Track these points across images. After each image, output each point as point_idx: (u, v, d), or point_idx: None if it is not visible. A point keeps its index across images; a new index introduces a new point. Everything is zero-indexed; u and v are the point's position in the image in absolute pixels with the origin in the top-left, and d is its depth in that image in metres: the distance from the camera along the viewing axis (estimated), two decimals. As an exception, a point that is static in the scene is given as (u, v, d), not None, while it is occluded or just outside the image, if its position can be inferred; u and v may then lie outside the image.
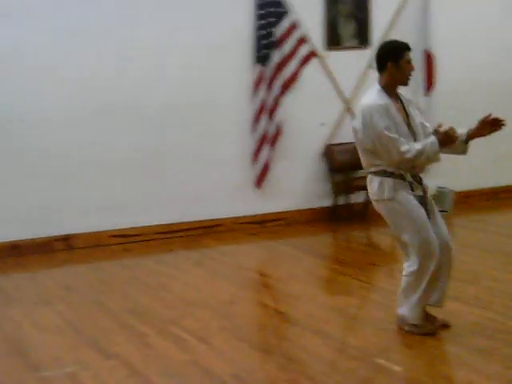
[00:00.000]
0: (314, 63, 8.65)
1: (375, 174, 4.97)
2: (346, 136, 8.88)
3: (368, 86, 8.75)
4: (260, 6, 8.35)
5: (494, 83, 9.56)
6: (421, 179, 5.03)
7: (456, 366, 4.67)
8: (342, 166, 8.79)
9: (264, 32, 8.35)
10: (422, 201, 4.99)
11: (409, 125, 4.94)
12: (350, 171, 8.83)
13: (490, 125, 4.86)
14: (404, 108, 4.99)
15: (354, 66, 8.87)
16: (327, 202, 8.92)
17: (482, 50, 9.42)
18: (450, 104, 9.18)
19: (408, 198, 4.91)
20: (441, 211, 8.99)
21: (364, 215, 8.92)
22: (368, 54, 8.90)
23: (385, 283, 6.58)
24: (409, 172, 4.92)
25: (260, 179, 8.54)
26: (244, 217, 8.58)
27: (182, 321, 5.51)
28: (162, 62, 8.09)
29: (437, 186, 9.04)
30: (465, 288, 5.96)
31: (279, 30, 8.40)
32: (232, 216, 8.52)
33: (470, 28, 9.31)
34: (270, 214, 8.69)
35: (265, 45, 8.36)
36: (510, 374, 4.42)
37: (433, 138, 4.82)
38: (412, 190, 4.94)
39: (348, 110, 8.95)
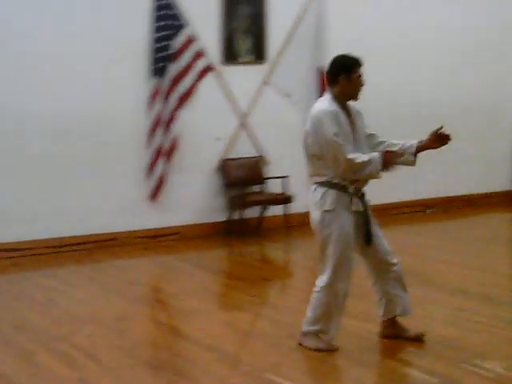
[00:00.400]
0: (210, 77, 8.66)
1: (320, 184, 4.98)
2: (241, 151, 8.96)
3: (264, 101, 9.00)
4: (157, 19, 8.31)
5: (390, 101, 9.79)
6: (363, 194, 5.08)
7: (345, 380, 4.73)
8: (236, 180, 8.81)
9: (160, 45, 8.31)
10: (362, 217, 5.02)
11: (354, 137, 4.99)
12: (244, 186, 8.88)
13: (441, 138, 4.95)
14: (351, 120, 5.04)
15: (251, 81, 8.93)
16: (222, 217, 8.91)
17: (379, 67, 9.62)
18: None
19: (345, 214, 4.94)
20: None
21: (258, 230, 8.97)
22: (264, 70, 8.99)
23: (277, 299, 6.63)
24: (352, 184, 4.95)
25: (155, 193, 8.46)
26: (138, 231, 8.47)
27: (71, 337, 5.38)
28: (58, 73, 7.94)
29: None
30: (354, 303, 6.05)
31: (176, 44, 8.37)
32: (126, 230, 8.40)
33: (365, 46, 9.48)
34: (164, 228, 8.61)
35: (161, 58, 8.31)
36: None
37: (378, 155, 4.89)
38: (351, 205, 4.97)
39: (243, 125, 8.99)
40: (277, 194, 8.96)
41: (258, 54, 8.97)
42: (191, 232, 8.72)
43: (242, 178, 8.85)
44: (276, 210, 9.00)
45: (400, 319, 5.20)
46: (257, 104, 9.01)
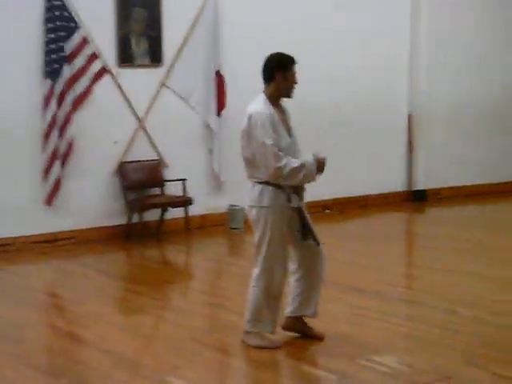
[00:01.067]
0: (106, 80, 8.57)
1: (257, 181, 5.01)
2: (139, 154, 8.90)
3: (162, 104, 8.96)
4: (48, 20, 8.15)
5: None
6: (301, 190, 5.10)
7: (246, 381, 4.76)
8: (135, 183, 8.75)
9: (54, 46, 8.17)
10: (298, 213, 5.05)
11: (290, 136, 5.05)
12: (143, 189, 8.81)
13: (320, 167, 5.01)
14: (286, 119, 5.10)
15: (147, 83, 8.88)
16: (121, 220, 8.82)
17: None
18: (238, 125, 9.40)
19: (282, 211, 4.97)
20: (233, 228, 9.32)
21: (158, 233, 8.93)
22: (161, 73, 8.95)
23: (178, 301, 6.62)
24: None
25: (51, 197, 8.31)
26: (34, 236, 8.30)
27: (-36, 347, 5.23)
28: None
29: (229, 204, 9.25)
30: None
31: (70, 45, 8.25)
32: (21, 235, 8.22)
33: (260, 49, 9.54)
34: (61, 232, 8.47)
35: (55, 59, 8.17)
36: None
37: (312, 158, 4.94)
38: (289, 202, 5.00)
39: (141, 127, 8.94)
40: (176, 197, 8.93)
41: (155, 56, 8.92)
42: (90, 236, 8.60)
43: (141, 181, 8.79)
44: (176, 213, 8.98)
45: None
46: (154, 107, 8.96)
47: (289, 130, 5.10)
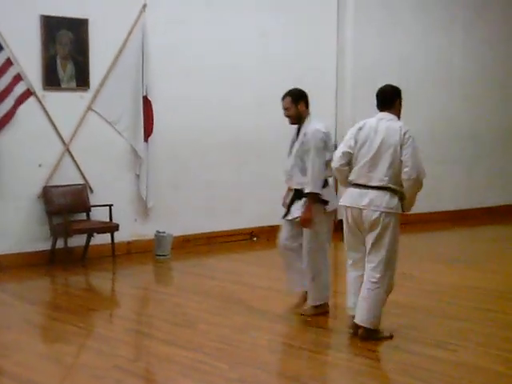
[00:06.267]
0: (31, 102, 8.43)
1: (395, 190, 5.72)
2: (64, 178, 8.76)
3: (88, 128, 8.84)
4: (-29, 40, 8.01)
5: (214, 131, 9.93)
6: None
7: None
8: (60, 208, 8.58)
9: (-24, 67, 8.02)
10: None
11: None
12: (68, 214, 8.66)
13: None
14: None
15: (74, 107, 8.76)
16: (46, 246, 8.65)
17: (199, 96, 9.73)
18: (165, 151, 9.40)
19: None
20: (159, 255, 9.23)
21: (84, 259, 8.78)
22: (88, 96, 8.86)
23: (103, 328, 6.49)
24: None
25: (-28, 222, 8.10)
26: (-46, 261, 8.07)
27: None
28: None
29: (156, 230, 9.17)
30: (180, 331, 6.06)
31: (-8, 67, 8.11)
32: None
33: (186, 73, 9.58)
34: (-18, 257, 8.26)
35: (-22, 81, 8.02)
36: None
37: None
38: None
39: (67, 151, 8.80)
40: (102, 223, 8.81)
41: (81, 80, 8.80)
42: (12, 261, 8.40)
43: (66, 206, 8.63)
44: (102, 239, 8.85)
45: None
46: (81, 131, 8.84)
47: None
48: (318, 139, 6.26)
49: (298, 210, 6.38)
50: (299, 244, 6.50)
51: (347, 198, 5.80)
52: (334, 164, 5.87)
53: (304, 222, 6.29)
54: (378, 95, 5.86)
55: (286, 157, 6.51)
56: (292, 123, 6.49)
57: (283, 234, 6.61)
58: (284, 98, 6.45)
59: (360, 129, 5.77)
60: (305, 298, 6.63)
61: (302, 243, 6.44)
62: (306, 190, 6.26)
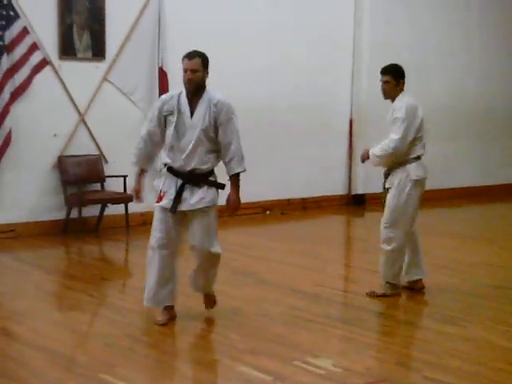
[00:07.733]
0: (47, 72, 8.44)
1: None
2: (79, 148, 8.79)
3: (103, 98, 8.85)
4: (-13, 8, 8.00)
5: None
6: None
7: (182, 380, 4.74)
8: (75, 178, 8.62)
9: (-8, 36, 8.02)
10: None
11: None
12: (83, 184, 8.70)
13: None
14: None
15: (89, 77, 8.78)
16: (60, 215, 8.70)
17: (214, 68, 9.70)
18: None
19: None
20: None
21: (97, 229, 8.83)
22: (104, 67, 8.85)
23: (116, 298, 6.54)
24: None
25: (-12, 190, 8.16)
26: (-30, 229, 8.16)
27: None
28: None
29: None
30: (191, 302, 6.09)
31: (9, 35, 8.08)
32: (-42, 228, 8.07)
33: (202, 47, 9.53)
34: (-1, 225, 8.33)
35: (-7, 49, 8.03)
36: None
37: None
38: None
39: (82, 121, 8.82)
40: (117, 193, 8.85)
41: (98, 50, 8.81)
42: (27, 230, 8.47)
43: (81, 176, 8.68)
44: (116, 209, 8.89)
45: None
46: (96, 101, 8.86)
47: None
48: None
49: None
50: None
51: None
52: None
53: None
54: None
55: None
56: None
57: None
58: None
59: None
60: None
61: None
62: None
